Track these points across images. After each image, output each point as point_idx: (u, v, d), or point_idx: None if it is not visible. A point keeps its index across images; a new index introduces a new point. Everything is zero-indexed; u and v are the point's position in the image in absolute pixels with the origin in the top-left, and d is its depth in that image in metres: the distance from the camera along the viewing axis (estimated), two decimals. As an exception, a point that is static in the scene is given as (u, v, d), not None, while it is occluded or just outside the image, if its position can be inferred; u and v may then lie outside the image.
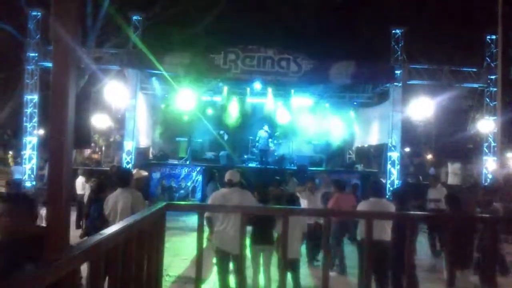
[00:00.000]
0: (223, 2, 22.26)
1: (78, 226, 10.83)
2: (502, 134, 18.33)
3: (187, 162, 18.32)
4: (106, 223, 5.47)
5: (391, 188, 17.09)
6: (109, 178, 8.05)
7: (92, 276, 2.19)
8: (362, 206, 6.47)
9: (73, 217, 10.45)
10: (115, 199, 5.79)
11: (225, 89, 19.94)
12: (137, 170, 7.15)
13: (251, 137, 20.48)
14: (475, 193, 11.28)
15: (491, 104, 18.29)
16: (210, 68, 17.29)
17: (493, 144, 18.29)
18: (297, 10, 24.58)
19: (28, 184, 17.12)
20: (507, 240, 10.65)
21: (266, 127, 19.28)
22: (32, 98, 17.37)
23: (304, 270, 7.89)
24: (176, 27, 21.37)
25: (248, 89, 19.71)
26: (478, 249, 6.41)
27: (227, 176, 6.25)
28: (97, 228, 5.27)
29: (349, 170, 19.08)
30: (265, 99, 20.59)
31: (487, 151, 18.47)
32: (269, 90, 19.75)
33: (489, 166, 18.36)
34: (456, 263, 5.23)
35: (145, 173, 6.97)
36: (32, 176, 17.37)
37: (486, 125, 18.54)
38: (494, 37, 18.07)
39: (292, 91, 19.87)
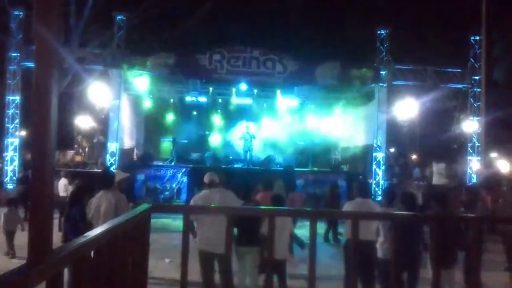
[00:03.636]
0: (210, 2, 22.18)
1: (60, 229, 10.70)
2: (486, 134, 18.54)
3: (172, 163, 18.21)
4: (89, 226, 5.39)
5: (376, 189, 17.18)
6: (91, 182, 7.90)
7: (74, 280, 2.14)
8: (348, 206, 6.46)
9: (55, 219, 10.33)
10: (98, 201, 5.71)
11: (211, 89, 19.79)
12: (117, 172, 7.06)
13: (236, 138, 20.42)
14: (460, 192, 11.37)
15: (475, 105, 18.48)
16: (196, 69, 17.22)
17: (477, 144, 18.48)
18: (283, 11, 24.63)
19: (9, 186, 16.90)
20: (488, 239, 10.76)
21: (249, 128, 19.28)
22: (14, 98, 17.15)
23: (290, 271, 7.87)
24: (161, 27, 21.24)
25: (234, 89, 19.58)
26: (463, 248, 6.43)
27: (207, 177, 6.18)
28: (80, 231, 5.19)
29: (335, 171, 19.06)
30: (250, 100, 20.53)
31: (471, 151, 18.65)
32: (255, 91, 19.69)
33: (473, 166, 18.55)
34: (441, 262, 5.25)
35: (125, 174, 6.86)
36: (14, 178, 17.13)
37: (470, 126, 18.74)
38: (478, 37, 18.25)
39: (278, 91, 19.79)
